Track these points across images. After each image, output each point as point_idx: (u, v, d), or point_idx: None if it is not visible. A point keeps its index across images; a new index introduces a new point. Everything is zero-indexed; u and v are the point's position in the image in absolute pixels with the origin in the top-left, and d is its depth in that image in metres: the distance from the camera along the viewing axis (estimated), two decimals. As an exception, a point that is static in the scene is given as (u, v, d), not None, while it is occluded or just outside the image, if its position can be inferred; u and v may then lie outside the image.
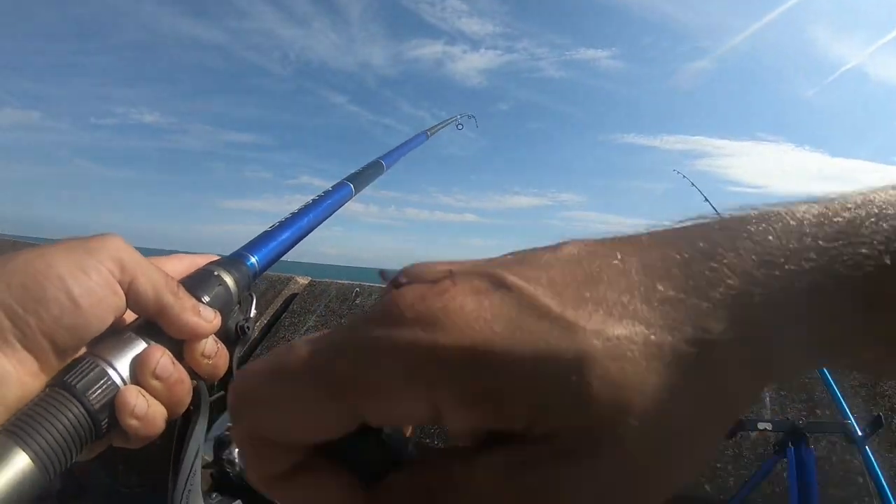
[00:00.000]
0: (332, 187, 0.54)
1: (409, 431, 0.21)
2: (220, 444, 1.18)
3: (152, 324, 0.31)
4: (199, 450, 0.36)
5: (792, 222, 0.18)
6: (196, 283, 0.34)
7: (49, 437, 0.25)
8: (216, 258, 0.37)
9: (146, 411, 0.29)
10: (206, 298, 0.33)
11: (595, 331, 0.15)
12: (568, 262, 0.17)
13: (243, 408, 0.17)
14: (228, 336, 0.36)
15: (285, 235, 0.44)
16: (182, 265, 0.35)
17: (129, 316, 0.32)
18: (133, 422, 0.29)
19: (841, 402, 1.06)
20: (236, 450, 0.58)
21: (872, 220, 0.18)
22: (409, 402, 0.15)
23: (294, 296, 2.17)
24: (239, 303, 0.36)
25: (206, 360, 0.33)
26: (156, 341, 0.31)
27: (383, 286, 0.18)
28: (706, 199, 1.88)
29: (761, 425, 1.04)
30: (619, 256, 0.17)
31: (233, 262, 0.37)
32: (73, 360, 0.28)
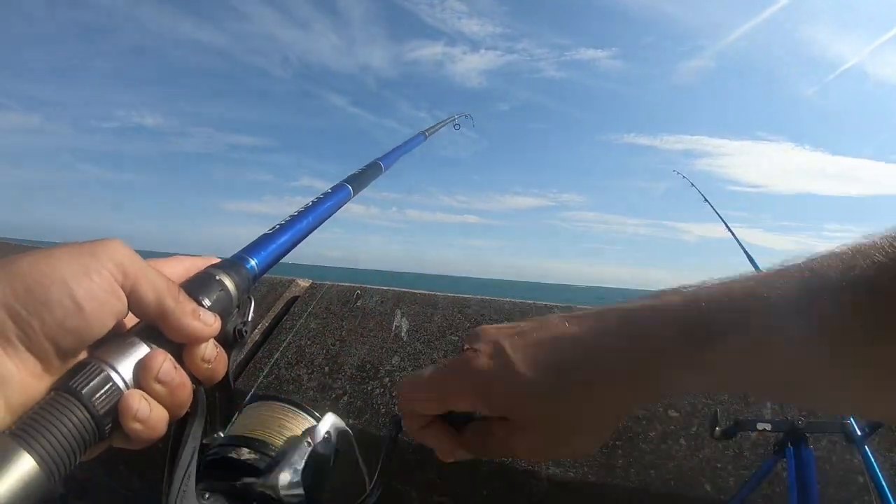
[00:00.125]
0: (331, 189, 0.55)
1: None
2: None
3: (153, 327, 0.31)
4: (194, 452, 0.36)
5: (654, 314, 0.33)
6: (196, 287, 0.34)
7: (54, 440, 0.25)
8: (216, 261, 0.38)
9: (149, 415, 0.29)
10: (207, 302, 0.34)
11: (524, 369, 0.34)
12: (540, 329, 0.36)
13: (403, 396, 0.39)
14: (227, 339, 0.36)
15: (284, 238, 0.44)
16: (182, 268, 0.36)
17: (130, 319, 0.32)
18: (136, 425, 0.29)
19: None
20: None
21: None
22: (463, 402, 0.37)
23: (295, 298, 2.18)
24: (238, 306, 0.37)
25: (205, 364, 0.33)
26: (157, 345, 0.31)
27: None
28: (705, 200, 1.88)
29: (761, 425, 1.04)
30: (566, 324, 0.36)
31: (233, 265, 0.38)
32: (76, 364, 0.29)
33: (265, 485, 0.47)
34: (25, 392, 0.27)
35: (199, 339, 0.32)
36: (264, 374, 1.79)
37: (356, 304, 1.99)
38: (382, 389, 1.65)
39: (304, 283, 2.26)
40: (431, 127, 0.94)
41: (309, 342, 1.91)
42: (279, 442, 0.52)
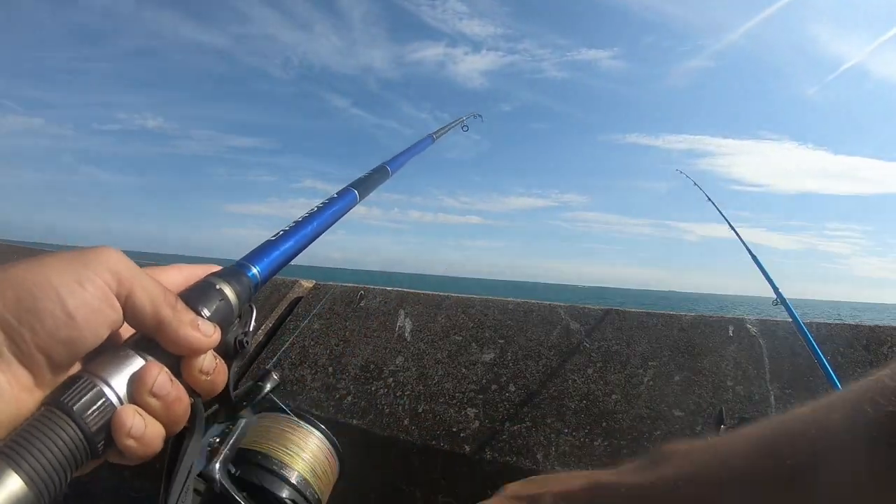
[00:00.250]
0: (337, 194, 0.53)
1: None
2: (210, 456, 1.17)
3: (150, 339, 0.30)
4: (192, 467, 0.34)
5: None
6: (196, 296, 0.33)
7: (44, 459, 0.24)
8: (216, 269, 0.36)
9: (143, 431, 0.28)
10: (206, 312, 0.32)
11: None
12: (544, 483, 0.41)
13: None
14: (227, 350, 0.35)
15: (288, 245, 0.43)
16: (181, 276, 0.34)
17: (126, 329, 0.31)
18: (130, 442, 0.28)
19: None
20: (217, 464, 0.57)
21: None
22: None
23: (299, 299, 2.17)
24: (239, 316, 0.35)
25: (204, 377, 0.32)
26: (153, 357, 0.30)
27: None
28: (709, 199, 1.87)
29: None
30: (560, 477, 0.41)
31: (234, 273, 0.36)
32: (69, 378, 0.28)
33: None
34: (16, 406, 0.26)
35: (197, 351, 0.31)
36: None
37: (360, 304, 1.98)
38: (386, 390, 1.64)
39: (307, 283, 2.26)
40: (439, 130, 0.93)
41: (313, 343, 1.91)
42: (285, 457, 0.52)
